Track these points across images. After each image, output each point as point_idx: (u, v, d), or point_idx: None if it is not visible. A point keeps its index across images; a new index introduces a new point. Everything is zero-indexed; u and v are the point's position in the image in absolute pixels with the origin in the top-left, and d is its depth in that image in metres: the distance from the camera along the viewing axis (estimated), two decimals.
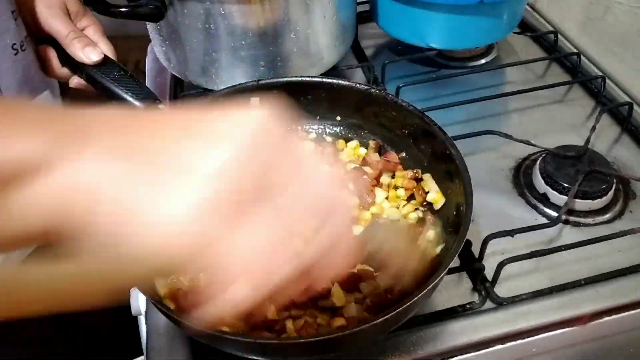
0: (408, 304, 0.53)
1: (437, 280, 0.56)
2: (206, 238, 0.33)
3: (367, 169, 0.75)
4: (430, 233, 0.67)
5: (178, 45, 0.87)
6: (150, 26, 0.92)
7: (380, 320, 0.52)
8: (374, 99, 0.77)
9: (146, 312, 0.69)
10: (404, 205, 0.72)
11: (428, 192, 0.72)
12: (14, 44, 0.66)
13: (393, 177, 0.74)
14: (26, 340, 0.79)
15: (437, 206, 0.70)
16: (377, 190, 0.73)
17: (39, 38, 0.73)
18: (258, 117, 0.34)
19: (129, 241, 0.32)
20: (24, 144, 0.31)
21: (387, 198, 0.73)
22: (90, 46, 0.73)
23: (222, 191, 0.32)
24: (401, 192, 0.73)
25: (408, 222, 0.69)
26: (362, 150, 0.79)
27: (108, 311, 0.90)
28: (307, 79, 0.80)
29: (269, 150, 0.34)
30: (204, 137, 0.34)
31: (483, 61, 1.07)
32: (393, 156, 0.76)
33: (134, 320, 0.88)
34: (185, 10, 0.81)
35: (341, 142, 0.80)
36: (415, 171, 0.73)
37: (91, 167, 0.32)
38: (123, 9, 0.78)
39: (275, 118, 0.35)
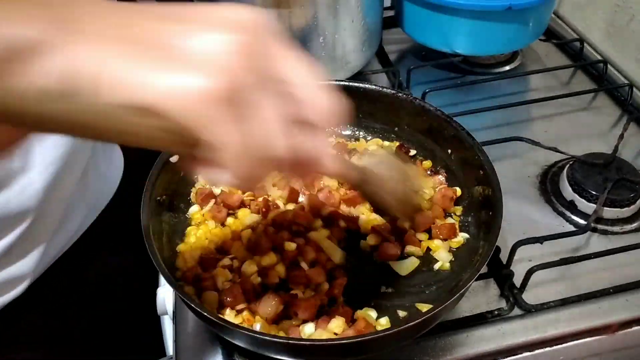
0: (437, 310, 0.54)
1: (466, 287, 0.56)
2: (207, 118, 0.32)
3: None
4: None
5: None
6: None
7: (409, 325, 0.53)
8: (401, 104, 0.78)
9: (174, 312, 0.70)
10: None
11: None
12: None
13: None
14: (48, 340, 0.80)
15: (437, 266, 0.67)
16: None
17: None
18: (251, 14, 0.34)
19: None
20: (20, 26, 0.30)
21: None
22: None
23: (225, 76, 0.31)
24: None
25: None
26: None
27: (130, 310, 0.91)
28: (334, 82, 0.80)
29: (266, 44, 0.34)
30: (200, 24, 0.33)
31: (507, 68, 1.07)
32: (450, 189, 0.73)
33: (157, 320, 0.88)
34: None
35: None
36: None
37: (90, 51, 0.31)
38: None
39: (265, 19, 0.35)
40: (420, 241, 0.68)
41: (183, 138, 0.33)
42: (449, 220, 0.70)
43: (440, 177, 0.75)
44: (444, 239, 0.68)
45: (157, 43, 0.32)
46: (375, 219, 0.70)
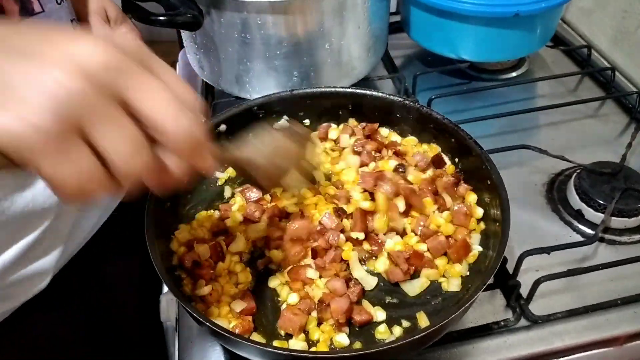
0: (442, 323, 0.53)
1: (472, 300, 0.56)
2: (27, 153, 0.33)
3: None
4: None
5: (212, 53, 0.88)
6: (184, 34, 0.93)
7: (415, 338, 0.52)
8: (407, 111, 0.78)
9: (178, 320, 0.70)
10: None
11: None
12: None
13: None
14: (52, 343, 0.80)
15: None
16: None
17: None
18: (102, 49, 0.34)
19: None
20: None
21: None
22: None
23: (57, 117, 0.33)
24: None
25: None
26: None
27: (134, 316, 0.91)
28: (341, 89, 0.80)
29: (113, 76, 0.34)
30: (41, 61, 0.34)
31: (514, 74, 1.06)
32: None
33: (160, 325, 0.88)
34: (222, 19, 0.82)
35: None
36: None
37: None
38: (162, 18, 0.79)
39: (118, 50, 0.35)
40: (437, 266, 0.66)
41: (12, 162, 0.34)
42: (458, 235, 0.68)
43: (465, 186, 0.72)
44: (461, 260, 0.65)
45: None
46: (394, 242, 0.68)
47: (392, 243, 0.67)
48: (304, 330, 0.61)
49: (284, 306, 0.63)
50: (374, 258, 0.68)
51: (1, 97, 0.33)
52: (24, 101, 0.33)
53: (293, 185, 0.66)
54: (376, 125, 0.80)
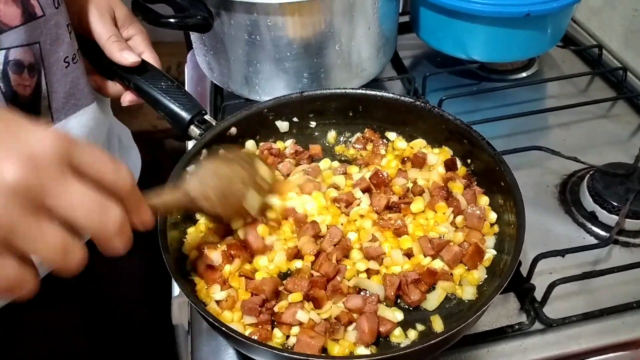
0: (459, 327, 0.53)
1: (487, 305, 0.55)
2: None
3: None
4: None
5: (222, 55, 0.88)
6: (194, 36, 0.93)
7: (432, 342, 0.52)
8: (419, 112, 0.77)
9: (190, 323, 0.69)
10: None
11: None
12: (67, 56, 0.67)
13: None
14: (59, 345, 0.80)
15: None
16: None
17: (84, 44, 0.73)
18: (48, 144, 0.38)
19: None
20: None
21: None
22: (128, 50, 0.73)
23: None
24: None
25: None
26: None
27: (145, 318, 0.90)
28: (351, 91, 0.79)
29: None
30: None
31: (524, 74, 1.05)
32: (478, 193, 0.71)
33: (172, 328, 0.88)
34: (232, 21, 0.81)
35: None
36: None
37: None
38: (172, 20, 0.78)
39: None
40: (451, 274, 0.65)
41: None
42: (472, 239, 0.66)
43: (477, 187, 0.72)
44: (476, 266, 0.64)
45: None
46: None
47: (399, 268, 0.65)
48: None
49: (295, 333, 0.60)
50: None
51: None
52: None
53: (253, 206, 0.65)
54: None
